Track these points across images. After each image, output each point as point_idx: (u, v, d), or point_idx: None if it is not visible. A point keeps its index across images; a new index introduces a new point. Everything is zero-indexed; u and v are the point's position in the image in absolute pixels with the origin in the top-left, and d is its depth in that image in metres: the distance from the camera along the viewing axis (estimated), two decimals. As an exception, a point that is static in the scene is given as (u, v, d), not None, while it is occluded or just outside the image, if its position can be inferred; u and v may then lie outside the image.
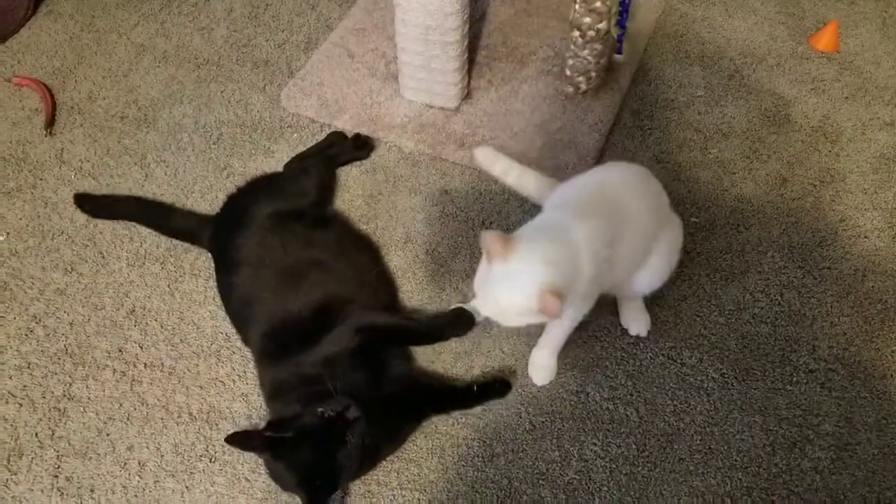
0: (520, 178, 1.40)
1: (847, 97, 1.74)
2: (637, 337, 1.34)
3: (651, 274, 1.24)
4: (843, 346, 1.33)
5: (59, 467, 1.21)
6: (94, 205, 1.52)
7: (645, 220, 1.18)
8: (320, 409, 1.05)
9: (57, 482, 1.19)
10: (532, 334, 1.29)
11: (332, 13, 1.92)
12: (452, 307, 1.18)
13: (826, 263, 1.44)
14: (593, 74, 1.62)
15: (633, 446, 1.22)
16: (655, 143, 1.64)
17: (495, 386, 1.28)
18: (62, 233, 1.50)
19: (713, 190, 1.56)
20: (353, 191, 1.56)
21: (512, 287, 1.03)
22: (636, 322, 1.33)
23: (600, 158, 1.59)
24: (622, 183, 1.21)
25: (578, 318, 1.20)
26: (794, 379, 1.29)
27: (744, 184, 1.57)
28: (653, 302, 1.36)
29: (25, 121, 1.69)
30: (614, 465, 1.20)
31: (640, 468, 1.20)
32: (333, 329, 1.18)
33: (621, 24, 1.61)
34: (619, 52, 1.71)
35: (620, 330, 1.35)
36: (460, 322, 1.16)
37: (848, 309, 1.38)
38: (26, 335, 1.36)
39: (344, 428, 1.05)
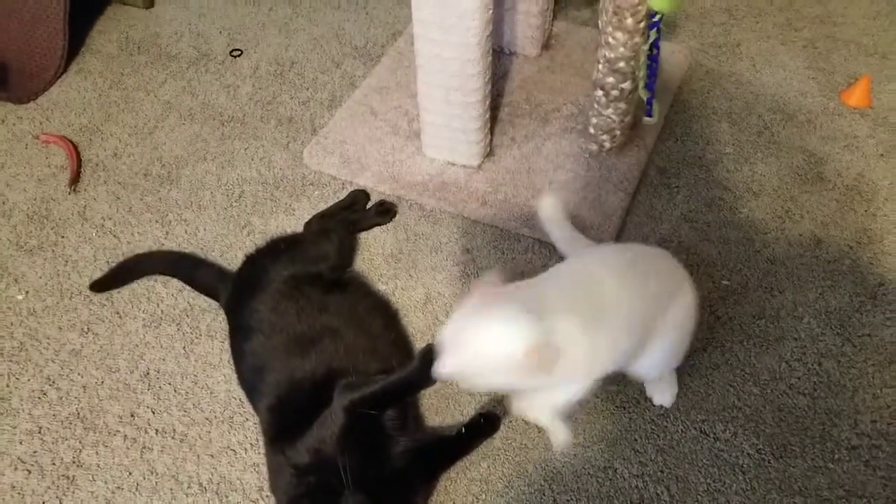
0: (570, 242, 1.38)
1: (882, 154, 1.68)
2: (663, 408, 1.27)
3: (656, 357, 1.16)
4: (886, 419, 1.26)
5: (64, 538, 1.17)
6: (112, 279, 1.50)
7: (634, 309, 1.09)
8: None
9: (62, 555, 1.15)
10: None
11: (356, 71, 1.93)
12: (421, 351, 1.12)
13: (866, 330, 1.37)
14: (618, 133, 1.59)
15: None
16: (683, 201, 1.60)
17: (482, 423, 1.23)
18: (80, 292, 1.49)
19: (744, 251, 1.51)
20: (373, 249, 1.54)
21: (497, 337, 0.95)
22: (660, 392, 1.27)
23: (626, 218, 1.55)
24: (613, 268, 1.13)
25: (575, 397, 1.12)
26: (836, 456, 1.21)
27: (776, 244, 1.52)
28: (683, 370, 1.30)
29: (51, 178, 1.70)
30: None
31: (671, 552, 1.12)
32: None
33: (650, 88, 1.58)
34: (650, 115, 1.68)
35: (649, 400, 1.29)
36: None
37: (891, 380, 1.30)
38: (39, 398, 1.33)
39: None
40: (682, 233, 1.53)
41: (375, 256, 1.53)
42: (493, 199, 1.58)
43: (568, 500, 1.18)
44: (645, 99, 1.60)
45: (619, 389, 1.27)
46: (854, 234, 1.54)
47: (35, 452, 1.27)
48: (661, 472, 1.20)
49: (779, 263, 1.48)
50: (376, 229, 1.58)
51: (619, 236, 1.52)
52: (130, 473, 1.23)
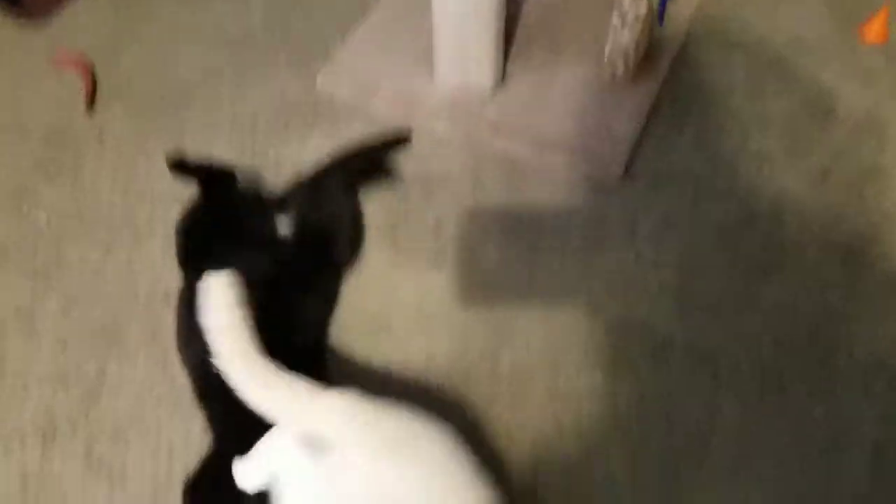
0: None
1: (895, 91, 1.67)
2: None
3: None
4: (885, 350, 1.29)
5: (91, 449, 1.23)
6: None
7: None
8: None
9: (89, 463, 1.22)
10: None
11: (368, -5, 1.91)
12: None
13: (868, 262, 1.40)
14: (632, 60, 1.58)
15: (662, 452, 1.20)
16: (694, 132, 1.60)
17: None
18: (100, 214, 1.52)
19: (753, 182, 1.52)
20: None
21: None
22: None
23: (636, 147, 1.56)
24: None
25: None
26: (833, 383, 1.26)
27: (784, 176, 1.53)
28: (686, 298, 1.34)
29: (66, 100, 1.71)
30: (639, 468, 1.18)
31: (666, 480, 1.18)
32: None
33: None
34: (661, 22, 1.67)
35: (648, 329, 1.32)
36: None
37: (892, 311, 1.34)
38: (63, 316, 1.38)
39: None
40: (692, 163, 1.54)
41: (387, 181, 1.55)
42: (505, 126, 1.58)
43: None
44: (656, 8, 1.59)
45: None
46: (862, 168, 1.54)
47: (60, 368, 1.32)
48: (662, 397, 1.25)
49: (786, 195, 1.50)
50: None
51: (630, 166, 1.53)
52: (153, 389, 1.29)
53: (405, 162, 1.57)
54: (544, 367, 1.29)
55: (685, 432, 1.21)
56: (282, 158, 1.58)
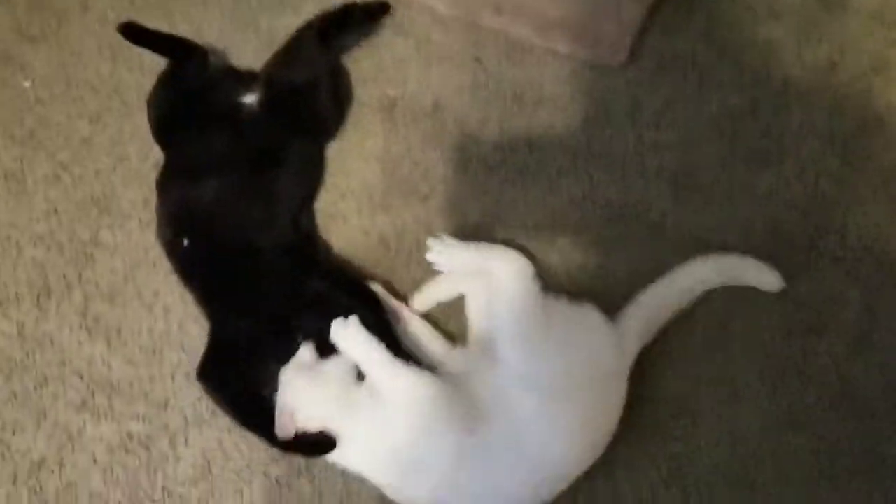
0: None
1: (913, -20, 1.62)
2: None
3: None
4: (873, 236, 1.31)
5: (87, 308, 1.25)
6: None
7: None
8: None
9: (85, 322, 1.24)
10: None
11: None
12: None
13: (867, 153, 1.39)
14: (642, -61, 1.51)
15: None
16: (703, 18, 1.54)
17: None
18: (87, 82, 1.48)
19: (758, 71, 1.48)
20: (382, 53, 1.51)
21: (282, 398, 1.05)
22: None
23: (643, 32, 1.51)
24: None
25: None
26: (819, 265, 1.27)
27: (791, 67, 1.50)
28: (683, 182, 1.34)
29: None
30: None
31: (652, 343, 1.20)
32: None
33: None
34: None
35: (643, 210, 1.32)
36: None
37: (883, 200, 1.34)
38: (53, 181, 1.37)
39: None
40: (698, 50, 1.50)
41: (385, 61, 1.51)
42: (508, 5, 1.53)
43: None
44: None
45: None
46: (871, 60, 1.51)
47: (53, 231, 1.32)
48: (650, 274, 1.26)
49: (791, 85, 1.47)
50: (387, 34, 1.54)
51: (635, 50, 1.49)
52: (147, 253, 1.29)
53: (403, 41, 1.53)
54: (539, 244, 1.29)
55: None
56: (275, 29, 1.53)
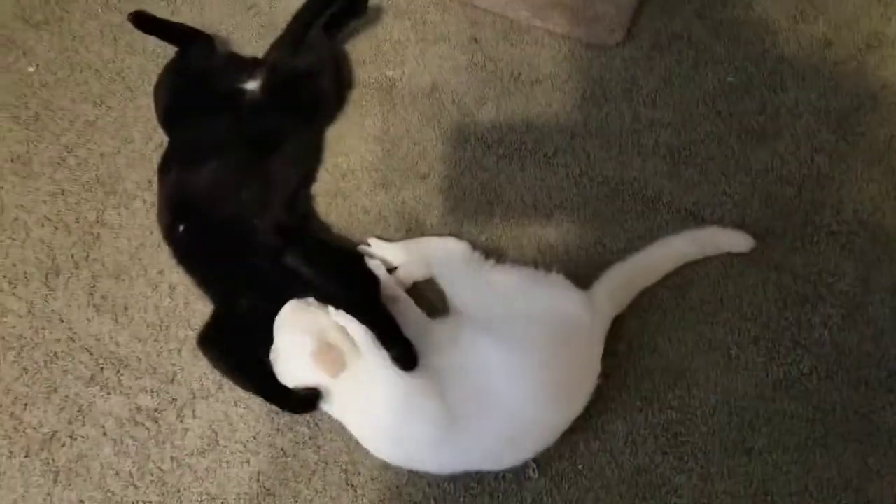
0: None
1: (908, -42, 1.63)
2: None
3: None
4: (868, 210, 1.32)
5: (94, 286, 1.27)
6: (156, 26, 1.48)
7: None
8: None
9: (93, 300, 1.26)
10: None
11: None
12: None
13: (861, 129, 1.41)
14: (638, -81, 1.52)
15: (644, 295, 1.24)
16: (698, -3, 1.57)
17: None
18: (90, 66, 1.50)
19: (754, 49, 1.50)
20: (380, 35, 1.53)
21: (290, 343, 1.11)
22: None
23: (639, 10, 1.53)
24: None
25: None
26: (815, 239, 1.29)
27: (786, 45, 1.51)
28: (679, 159, 1.35)
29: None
30: (623, 311, 1.23)
31: (650, 314, 1.23)
32: None
33: None
34: None
35: (639, 185, 1.34)
36: None
37: (878, 175, 1.36)
38: (59, 164, 1.39)
39: None
40: (694, 29, 1.52)
41: (383, 42, 1.52)
42: (505, -13, 1.54)
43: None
44: None
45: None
46: (866, 37, 1.52)
47: (59, 212, 1.34)
48: (649, 234, 1.28)
49: (786, 63, 1.48)
50: (385, 17, 1.55)
51: (632, 29, 1.50)
52: (152, 233, 1.32)
53: (401, 23, 1.54)
54: (536, 219, 1.31)
55: (668, 277, 1.26)
56: (276, 12, 1.54)
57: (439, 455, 1.08)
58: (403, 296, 1.21)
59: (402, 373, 1.07)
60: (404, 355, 1.08)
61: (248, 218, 1.21)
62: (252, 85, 1.34)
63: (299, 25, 1.47)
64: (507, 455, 1.08)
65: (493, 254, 1.26)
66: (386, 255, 1.26)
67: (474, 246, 1.25)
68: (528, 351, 1.07)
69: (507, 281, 1.16)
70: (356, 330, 1.10)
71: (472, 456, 1.08)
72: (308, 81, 1.39)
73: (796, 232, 1.30)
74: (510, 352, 1.06)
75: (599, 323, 1.14)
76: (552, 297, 1.13)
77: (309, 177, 1.37)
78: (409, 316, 1.17)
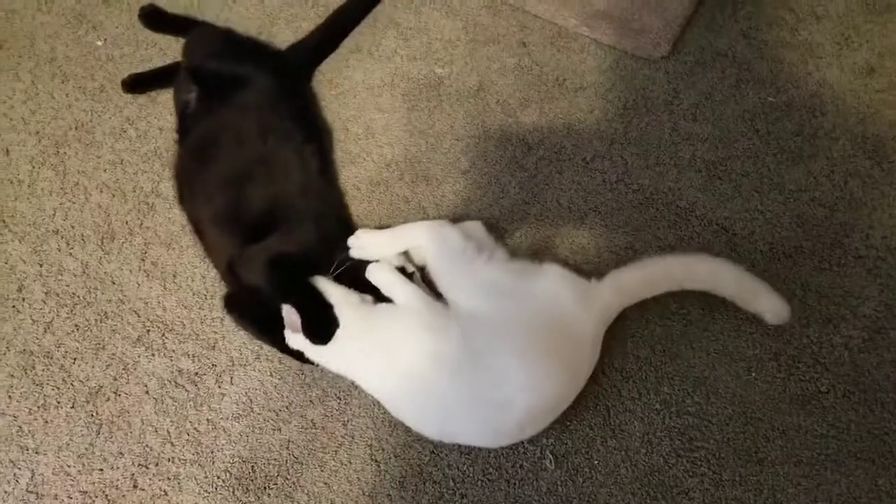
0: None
1: (959, -9, 1.64)
2: (691, 209, 1.37)
3: None
4: (898, 237, 1.35)
5: (146, 253, 1.34)
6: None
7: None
8: None
9: (144, 265, 1.33)
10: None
11: None
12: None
13: (898, 157, 1.43)
14: (692, -63, 1.56)
15: (671, 303, 1.28)
16: (745, 17, 1.59)
17: None
18: (155, 44, 1.57)
19: (796, 72, 1.53)
20: (431, 34, 1.58)
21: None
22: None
23: (686, 26, 1.56)
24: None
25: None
26: (842, 262, 1.32)
27: (829, 69, 1.53)
28: (715, 175, 1.39)
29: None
30: (649, 317, 1.27)
31: (675, 322, 1.27)
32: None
33: None
34: None
35: (673, 196, 1.38)
36: None
37: (912, 203, 1.38)
38: (120, 134, 1.46)
39: None
40: (738, 48, 1.55)
41: (434, 41, 1.58)
42: (556, -6, 1.59)
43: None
44: None
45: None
46: (909, 67, 1.54)
47: (118, 180, 1.41)
48: (678, 244, 1.32)
49: (827, 87, 1.51)
50: (436, 15, 1.61)
51: (677, 43, 1.54)
52: (203, 206, 1.38)
53: (452, 23, 1.59)
54: (570, 221, 1.36)
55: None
56: (333, 2, 1.60)
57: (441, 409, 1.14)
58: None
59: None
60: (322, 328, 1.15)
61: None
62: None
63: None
64: (494, 422, 1.13)
65: (522, 250, 1.31)
66: (372, 251, 1.25)
67: (501, 236, 1.30)
68: (516, 335, 1.12)
69: (496, 276, 1.19)
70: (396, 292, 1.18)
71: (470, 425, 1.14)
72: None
73: (824, 253, 1.32)
74: (498, 337, 1.12)
75: (597, 312, 1.17)
76: (542, 288, 1.17)
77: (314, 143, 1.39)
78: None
